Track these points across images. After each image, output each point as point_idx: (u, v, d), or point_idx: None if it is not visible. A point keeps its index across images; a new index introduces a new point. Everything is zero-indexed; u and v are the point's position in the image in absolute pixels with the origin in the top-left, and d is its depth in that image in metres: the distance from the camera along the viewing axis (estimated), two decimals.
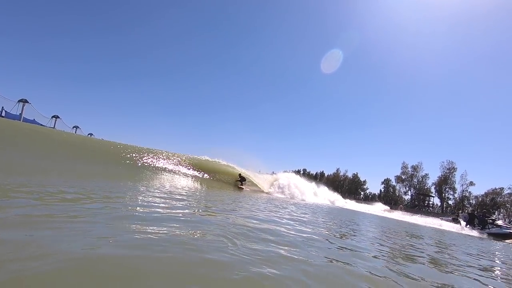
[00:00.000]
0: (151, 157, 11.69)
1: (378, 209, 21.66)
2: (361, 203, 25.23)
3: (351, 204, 19.21)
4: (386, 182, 70.31)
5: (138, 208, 3.05)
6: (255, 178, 14.76)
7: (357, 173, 74.86)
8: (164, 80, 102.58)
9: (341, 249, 2.82)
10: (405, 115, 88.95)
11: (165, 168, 11.33)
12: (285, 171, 17.72)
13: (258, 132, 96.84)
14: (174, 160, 12.74)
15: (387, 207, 28.11)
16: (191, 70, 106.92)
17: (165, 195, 4.80)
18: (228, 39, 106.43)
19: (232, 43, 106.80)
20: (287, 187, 14.99)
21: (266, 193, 14.08)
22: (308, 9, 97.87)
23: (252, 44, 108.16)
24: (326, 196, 18.56)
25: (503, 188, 60.27)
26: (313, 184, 19.01)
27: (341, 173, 76.75)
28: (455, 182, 63.45)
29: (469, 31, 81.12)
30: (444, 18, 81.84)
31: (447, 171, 64.27)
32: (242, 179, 13.76)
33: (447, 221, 15.18)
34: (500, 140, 74.85)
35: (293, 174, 17.49)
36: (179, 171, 11.76)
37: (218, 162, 14.57)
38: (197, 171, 12.69)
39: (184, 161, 13.11)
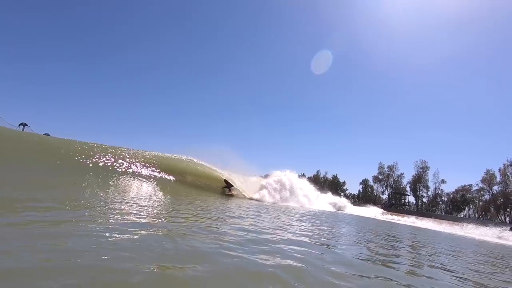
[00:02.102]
0: (110, 157, 9.24)
1: (377, 212, 20.35)
2: (360, 206, 24.01)
3: (352, 208, 17.56)
4: (364, 182, 71.40)
5: None
6: (237, 180, 12.66)
7: (336, 174, 75.30)
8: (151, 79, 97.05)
9: None
10: (382, 115, 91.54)
11: (126, 170, 8.91)
12: (265, 176, 15.44)
13: (239, 135, 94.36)
14: (139, 160, 10.31)
15: (382, 210, 27.07)
16: (177, 70, 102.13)
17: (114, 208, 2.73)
18: (215, 41, 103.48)
19: (218, 45, 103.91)
20: (281, 191, 13.02)
21: (255, 199, 12.01)
22: (298, 9, 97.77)
23: (238, 45, 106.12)
24: (329, 200, 16.64)
25: (471, 184, 63.39)
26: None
27: (321, 175, 76.78)
28: (428, 180, 65.95)
29: (453, 32, 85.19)
30: (431, 19, 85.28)
31: (421, 170, 66.50)
32: (228, 185, 12.01)
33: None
34: (469, 139, 79.18)
35: (289, 172, 15.18)
36: (146, 174, 9.39)
37: (199, 163, 12.44)
38: (169, 174, 10.38)
39: (153, 161, 10.70)
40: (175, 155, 12.83)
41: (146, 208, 3.88)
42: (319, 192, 17.12)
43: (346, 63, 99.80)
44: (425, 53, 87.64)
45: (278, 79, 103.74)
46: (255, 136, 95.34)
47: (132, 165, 9.50)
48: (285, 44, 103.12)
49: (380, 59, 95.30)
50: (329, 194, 18.73)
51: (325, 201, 16.31)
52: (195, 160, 12.66)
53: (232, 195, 11.59)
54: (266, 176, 15.39)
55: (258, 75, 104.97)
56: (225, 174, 12.41)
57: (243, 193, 12.37)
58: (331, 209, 15.44)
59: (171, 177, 10.18)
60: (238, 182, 12.61)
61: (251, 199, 11.94)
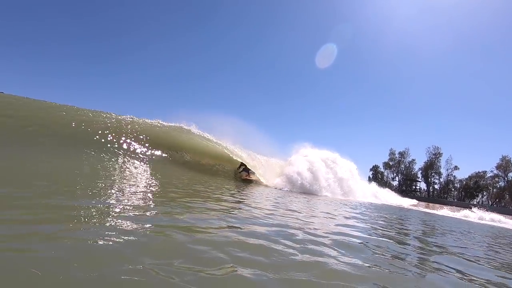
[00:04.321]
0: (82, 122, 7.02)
1: (407, 204, 18.10)
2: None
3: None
4: (375, 168, 69.23)
5: None
6: (255, 163, 10.33)
7: None
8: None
9: None
10: (392, 101, 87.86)
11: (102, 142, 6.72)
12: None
13: (247, 120, 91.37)
14: (122, 127, 7.84)
15: (414, 201, 24.72)
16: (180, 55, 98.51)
17: None
18: (219, 32, 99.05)
19: (222, 37, 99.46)
20: (308, 175, 10.12)
21: (277, 187, 9.66)
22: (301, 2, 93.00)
23: (244, 36, 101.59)
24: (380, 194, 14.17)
25: (485, 171, 61.00)
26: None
27: None
28: (440, 167, 63.82)
29: (462, 21, 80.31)
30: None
31: (433, 156, 64.27)
32: (245, 169, 9.74)
33: None
34: (482, 126, 75.83)
35: (321, 151, 12.46)
36: (133, 150, 7.18)
37: (202, 135, 9.95)
38: (159, 149, 8.06)
39: (143, 133, 8.13)
40: (166, 123, 10.13)
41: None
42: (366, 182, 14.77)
43: (355, 52, 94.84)
44: (436, 37, 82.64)
45: (287, 67, 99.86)
46: (262, 120, 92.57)
47: (112, 134, 7.27)
48: (296, 34, 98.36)
49: (389, 45, 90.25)
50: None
51: (372, 192, 13.93)
52: (195, 132, 10.00)
53: (250, 181, 9.42)
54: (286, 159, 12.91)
55: (269, 63, 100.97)
56: (237, 152, 10.02)
57: (262, 179, 10.07)
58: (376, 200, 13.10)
59: (161, 154, 7.84)
60: (255, 163, 10.29)
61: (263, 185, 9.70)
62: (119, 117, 9.16)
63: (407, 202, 18.28)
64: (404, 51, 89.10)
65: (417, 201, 26.39)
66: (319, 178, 10.53)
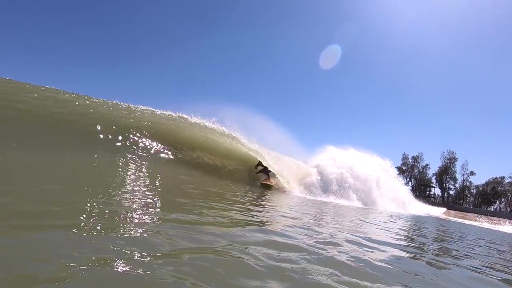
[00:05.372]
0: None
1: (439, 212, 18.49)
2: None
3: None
4: None
5: None
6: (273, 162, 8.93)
7: None
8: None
9: None
10: (405, 105, 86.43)
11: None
12: None
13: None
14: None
15: (444, 209, 25.03)
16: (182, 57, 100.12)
17: None
18: (226, 34, 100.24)
19: (228, 39, 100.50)
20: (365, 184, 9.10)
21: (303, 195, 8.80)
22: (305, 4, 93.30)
23: (250, 37, 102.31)
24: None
25: (504, 177, 59.10)
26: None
27: None
28: (455, 172, 62.33)
29: (477, 18, 78.88)
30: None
31: (448, 161, 62.88)
32: (265, 168, 8.49)
33: None
34: (500, 130, 73.65)
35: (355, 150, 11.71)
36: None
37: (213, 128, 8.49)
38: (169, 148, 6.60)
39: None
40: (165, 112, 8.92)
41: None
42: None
43: (361, 53, 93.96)
44: (446, 36, 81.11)
45: (292, 70, 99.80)
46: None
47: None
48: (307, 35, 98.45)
49: (397, 45, 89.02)
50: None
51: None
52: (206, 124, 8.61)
53: (269, 186, 8.22)
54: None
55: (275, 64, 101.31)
56: (253, 148, 8.76)
57: (285, 184, 8.85)
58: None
59: (176, 154, 6.58)
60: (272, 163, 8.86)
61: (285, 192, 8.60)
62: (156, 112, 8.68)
63: (437, 211, 18.64)
64: (413, 52, 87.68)
65: (446, 209, 26.67)
66: (381, 187, 9.06)
